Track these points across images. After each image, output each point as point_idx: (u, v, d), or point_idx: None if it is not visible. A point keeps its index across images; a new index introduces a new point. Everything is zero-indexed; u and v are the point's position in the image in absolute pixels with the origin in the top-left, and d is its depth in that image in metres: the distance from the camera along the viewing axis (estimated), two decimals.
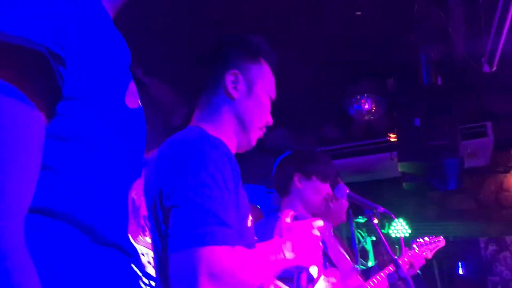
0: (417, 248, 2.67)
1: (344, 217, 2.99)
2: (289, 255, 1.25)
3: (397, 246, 4.24)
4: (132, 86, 0.73)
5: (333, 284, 2.31)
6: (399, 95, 4.00)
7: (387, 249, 2.16)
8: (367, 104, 4.33)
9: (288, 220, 1.44)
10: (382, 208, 2.21)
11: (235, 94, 1.37)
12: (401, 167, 4.20)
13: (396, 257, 2.44)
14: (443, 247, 2.98)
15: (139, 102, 0.76)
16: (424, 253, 2.70)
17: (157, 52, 3.62)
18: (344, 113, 4.73)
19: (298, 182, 2.40)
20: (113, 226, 0.69)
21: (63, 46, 0.61)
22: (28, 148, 0.59)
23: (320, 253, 1.41)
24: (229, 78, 1.38)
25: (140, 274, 0.74)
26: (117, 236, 0.69)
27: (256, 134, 1.42)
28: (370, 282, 2.38)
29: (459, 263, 5.84)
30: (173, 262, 1.08)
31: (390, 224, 5.55)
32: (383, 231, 5.47)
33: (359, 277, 2.75)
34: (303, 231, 1.32)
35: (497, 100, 4.98)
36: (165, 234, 1.13)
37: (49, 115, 0.63)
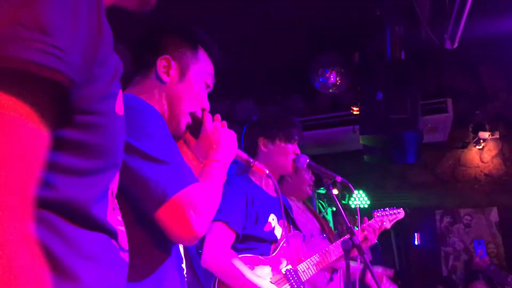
0: (376, 218, 2.74)
1: (306, 190, 3.06)
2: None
3: (356, 217, 4.35)
4: (120, 93, 0.79)
5: (294, 245, 2.37)
6: (363, 68, 4.05)
7: (344, 218, 2.21)
8: (332, 77, 4.37)
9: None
10: (340, 178, 2.26)
11: (166, 79, 1.43)
12: (362, 140, 4.28)
13: (355, 227, 2.52)
14: (401, 219, 3.06)
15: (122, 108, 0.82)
16: (383, 223, 2.77)
17: None
18: (309, 85, 4.76)
19: (263, 147, 2.43)
20: (101, 212, 0.77)
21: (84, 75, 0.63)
22: (31, 161, 0.59)
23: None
24: (160, 63, 1.43)
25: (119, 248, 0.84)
26: (104, 221, 0.78)
27: (185, 119, 1.45)
28: (326, 249, 2.44)
29: (415, 234, 6.05)
30: (163, 214, 1.19)
31: (350, 196, 5.68)
32: (343, 202, 5.60)
33: (323, 242, 2.84)
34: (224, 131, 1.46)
35: (458, 77, 5.11)
36: (136, 198, 1.21)
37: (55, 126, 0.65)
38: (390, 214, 2.87)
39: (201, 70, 1.49)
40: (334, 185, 2.32)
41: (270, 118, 2.56)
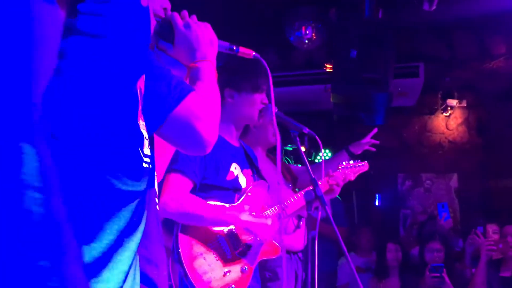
0: (341, 170, 2.75)
1: (271, 140, 3.05)
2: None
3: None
4: None
5: (258, 194, 2.38)
6: (339, 25, 3.99)
7: (308, 170, 2.21)
8: (308, 31, 4.30)
9: None
10: (308, 129, 2.26)
11: None
12: (333, 98, 4.28)
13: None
14: (364, 178, 3.10)
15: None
16: (348, 175, 2.79)
17: None
18: (285, 40, 4.68)
19: (229, 98, 2.38)
20: (128, 112, 0.84)
21: None
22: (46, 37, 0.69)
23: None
24: None
25: (141, 155, 0.90)
26: (131, 122, 0.85)
27: None
28: (290, 199, 2.46)
29: (377, 195, 6.20)
30: (167, 132, 1.17)
31: (317, 154, 5.74)
32: (309, 159, 5.66)
33: (288, 191, 2.86)
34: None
35: (431, 43, 5.11)
36: None
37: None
38: (355, 166, 2.89)
39: None
40: (302, 137, 2.30)
41: (234, 67, 2.45)
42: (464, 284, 3.62)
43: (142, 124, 0.94)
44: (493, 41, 4.93)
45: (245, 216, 2.12)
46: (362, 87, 3.81)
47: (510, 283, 3.44)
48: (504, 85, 5.50)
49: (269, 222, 2.21)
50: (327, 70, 4.74)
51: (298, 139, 2.25)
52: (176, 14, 1.33)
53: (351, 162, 2.87)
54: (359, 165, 2.87)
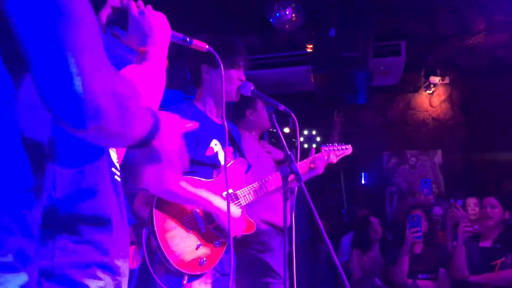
0: (323, 152, 2.80)
1: (267, 124, 3.17)
2: None
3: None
4: None
5: (237, 171, 2.42)
6: (319, 4, 4.01)
7: (283, 146, 2.24)
8: (287, 12, 4.31)
9: None
10: (283, 107, 2.28)
11: None
12: (314, 78, 4.31)
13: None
14: (350, 158, 3.14)
15: None
16: (330, 157, 2.84)
17: None
18: (266, 22, 4.69)
19: (206, 73, 2.40)
20: None
21: None
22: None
23: None
24: None
25: None
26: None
27: (104, 11, 1.41)
28: (269, 177, 2.51)
29: (363, 173, 6.28)
30: None
31: (300, 135, 5.78)
32: (294, 140, 5.70)
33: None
34: None
35: (413, 21, 5.14)
36: None
37: None
38: (338, 149, 2.93)
39: None
40: (276, 114, 2.32)
41: (212, 43, 2.47)
42: (446, 257, 3.70)
43: None
44: (472, 17, 4.97)
45: (216, 201, 2.15)
46: (341, 67, 3.84)
47: (490, 252, 3.53)
48: (484, 61, 5.56)
49: (238, 214, 2.25)
50: (308, 50, 4.76)
51: (274, 116, 2.28)
52: (132, 2, 1.37)
53: (335, 144, 2.91)
54: (342, 148, 2.91)
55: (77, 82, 0.68)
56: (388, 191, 6.13)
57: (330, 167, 2.93)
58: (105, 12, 1.35)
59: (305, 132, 6.20)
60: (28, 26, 0.67)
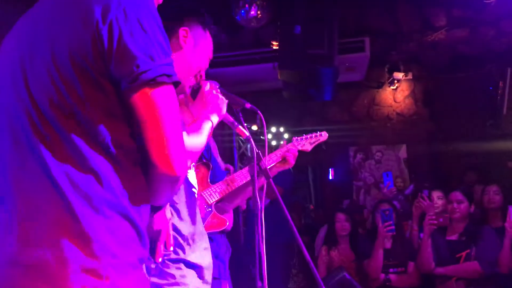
0: (295, 142, 2.75)
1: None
2: None
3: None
4: None
5: (201, 173, 2.39)
6: (283, 1, 4.00)
7: (252, 144, 2.23)
8: (252, 9, 4.29)
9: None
10: (250, 104, 2.26)
11: (183, 45, 1.74)
12: (281, 75, 4.31)
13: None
14: (317, 154, 3.14)
15: None
16: (303, 146, 2.79)
17: None
18: (232, 20, 4.66)
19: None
20: None
21: None
22: None
23: None
24: (181, 32, 1.73)
25: None
26: None
27: (190, 81, 1.76)
28: (231, 176, 2.48)
29: (330, 169, 6.33)
30: None
31: (268, 132, 5.78)
32: (262, 137, 5.69)
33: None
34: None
35: (376, 17, 5.20)
36: None
37: None
38: (311, 137, 2.86)
39: (207, 45, 1.82)
40: (244, 112, 2.30)
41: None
42: (413, 250, 3.76)
43: None
44: (434, 14, 5.07)
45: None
46: (307, 63, 3.85)
47: (456, 245, 3.60)
48: (445, 57, 5.68)
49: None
50: (274, 47, 4.75)
51: (240, 114, 2.26)
52: (206, 82, 1.81)
53: (309, 134, 2.87)
54: (316, 135, 2.86)
55: (173, 152, 1.10)
56: (355, 185, 6.21)
57: (298, 162, 2.91)
58: (192, 82, 1.77)
59: (273, 129, 6.21)
60: (149, 115, 1.07)
